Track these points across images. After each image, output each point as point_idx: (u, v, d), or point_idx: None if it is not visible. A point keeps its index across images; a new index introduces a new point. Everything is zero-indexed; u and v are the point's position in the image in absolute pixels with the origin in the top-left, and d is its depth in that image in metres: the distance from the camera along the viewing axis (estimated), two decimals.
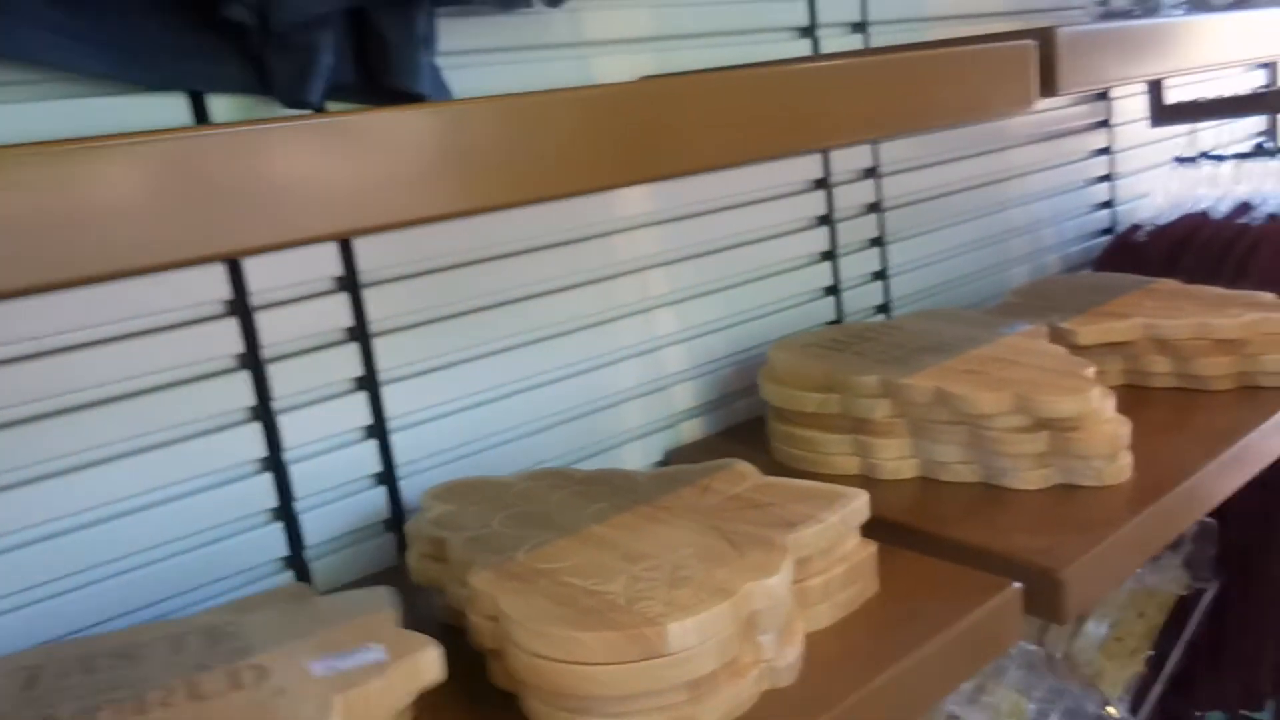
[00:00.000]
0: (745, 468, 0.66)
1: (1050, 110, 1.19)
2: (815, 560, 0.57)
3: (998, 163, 1.14)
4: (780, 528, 0.57)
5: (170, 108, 0.60)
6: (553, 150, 0.39)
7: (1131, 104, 1.30)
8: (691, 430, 0.91)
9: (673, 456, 0.88)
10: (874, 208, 1.01)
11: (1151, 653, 1.02)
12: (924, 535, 0.68)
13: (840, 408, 0.77)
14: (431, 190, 0.36)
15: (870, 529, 0.61)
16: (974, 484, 0.74)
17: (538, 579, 0.54)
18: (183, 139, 0.31)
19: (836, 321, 1.00)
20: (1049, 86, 0.58)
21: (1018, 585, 0.61)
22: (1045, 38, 0.58)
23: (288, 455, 0.67)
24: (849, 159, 0.98)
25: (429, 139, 0.35)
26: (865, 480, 0.77)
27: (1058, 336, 0.89)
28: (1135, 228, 1.21)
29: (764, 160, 0.47)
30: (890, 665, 0.54)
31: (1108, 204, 1.30)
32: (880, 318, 1.04)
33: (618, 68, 0.80)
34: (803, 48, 0.92)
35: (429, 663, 0.50)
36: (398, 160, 0.35)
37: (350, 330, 0.69)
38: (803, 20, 0.92)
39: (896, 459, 0.76)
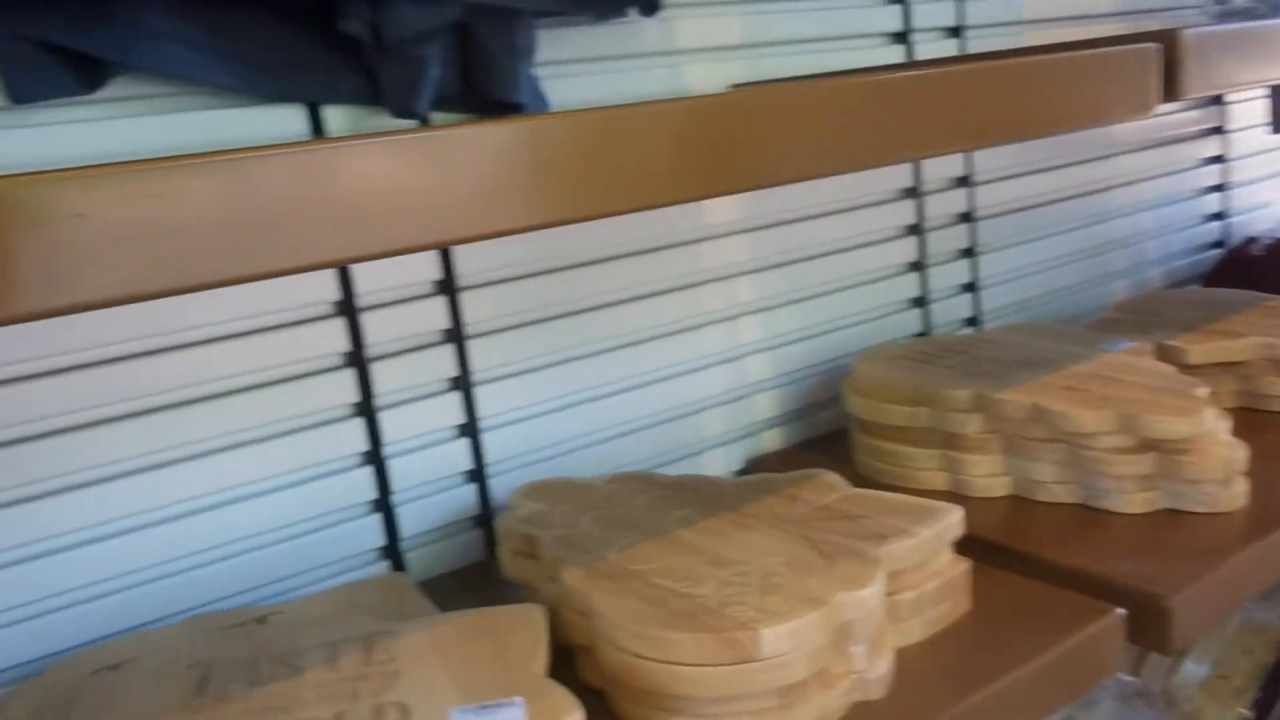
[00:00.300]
0: (833, 478, 0.66)
1: (1160, 116, 1.17)
2: (907, 574, 0.57)
3: (1100, 171, 1.12)
4: (872, 540, 0.57)
5: (289, 119, 0.63)
6: (639, 163, 0.39)
7: (1249, 109, 1.26)
8: (772, 440, 0.91)
9: (753, 465, 0.88)
10: (966, 217, 1.01)
11: (1258, 694, 0.99)
12: (1017, 555, 0.67)
13: (929, 422, 0.77)
14: (517, 203, 0.37)
15: (961, 546, 0.61)
16: (1070, 505, 0.73)
17: (629, 579, 0.54)
18: (291, 154, 0.32)
19: (923, 334, 1.00)
20: (1171, 91, 0.57)
21: (1121, 611, 0.59)
22: (1169, 41, 0.57)
23: (387, 450, 0.69)
24: (941, 167, 0.98)
25: (515, 152, 0.36)
26: (954, 497, 0.76)
27: (1165, 354, 0.86)
28: (1250, 240, 1.17)
29: (854, 172, 0.47)
30: (983, 686, 0.54)
31: (1219, 215, 1.26)
32: (969, 331, 1.03)
33: (709, 76, 0.81)
34: (896, 54, 0.92)
35: None
36: (486, 173, 0.36)
37: (447, 332, 0.71)
38: (897, 25, 0.92)
39: (988, 476, 0.75)
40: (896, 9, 0.91)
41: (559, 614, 0.56)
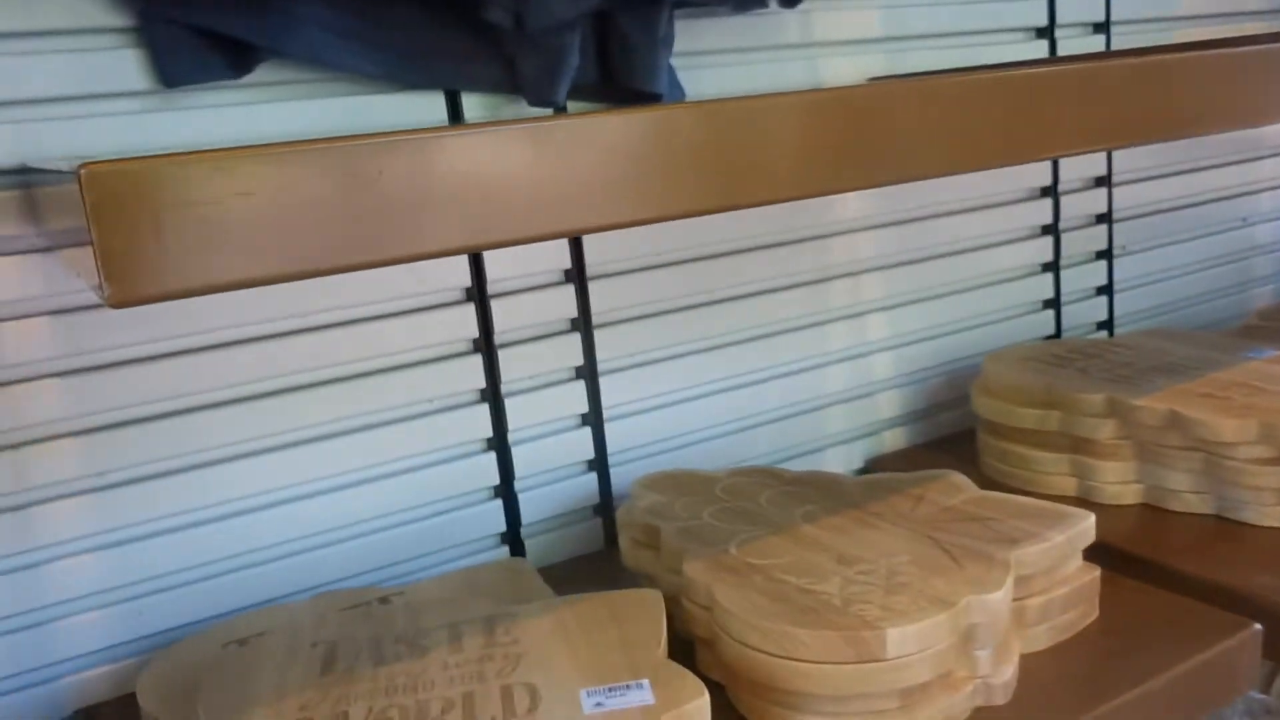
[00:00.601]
0: (961, 480, 0.65)
1: None
2: (1036, 580, 0.56)
3: (1246, 174, 1.08)
4: (1001, 543, 0.55)
5: (429, 106, 0.64)
6: (769, 155, 0.39)
7: None
8: (895, 439, 0.89)
9: (874, 465, 0.87)
10: (1103, 218, 0.98)
11: None
12: (1148, 564, 0.65)
13: (1060, 426, 0.75)
14: (645, 194, 0.37)
15: (1090, 553, 0.59)
16: (1205, 515, 0.70)
17: (751, 573, 0.54)
18: (420, 139, 0.33)
19: (1054, 337, 0.97)
20: None
21: (1257, 627, 0.57)
22: None
23: (512, 437, 0.70)
24: (1080, 166, 0.95)
25: (645, 142, 0.36)
26: (1082, 503, 0.74)
27: None
28: None
29: (990, 169, 0.46)
30: (1110, 697, 0.52)
31: None
32: (1101, 335, 1.00)
33: (847, 69, 0.80)
34: (1039, 49, 0.90)
35: (696, 714, 0.46)
36: (615, 163, 0.36)
37: (574, 321, 0.72)
38: (1041, 20, 0.89)
39: (1119, 483, 0.73)
40: (1041, 3, 0.89)
41: (679, 605, 0.56)
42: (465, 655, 0.52)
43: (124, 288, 0.28)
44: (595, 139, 0.35)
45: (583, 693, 0.47)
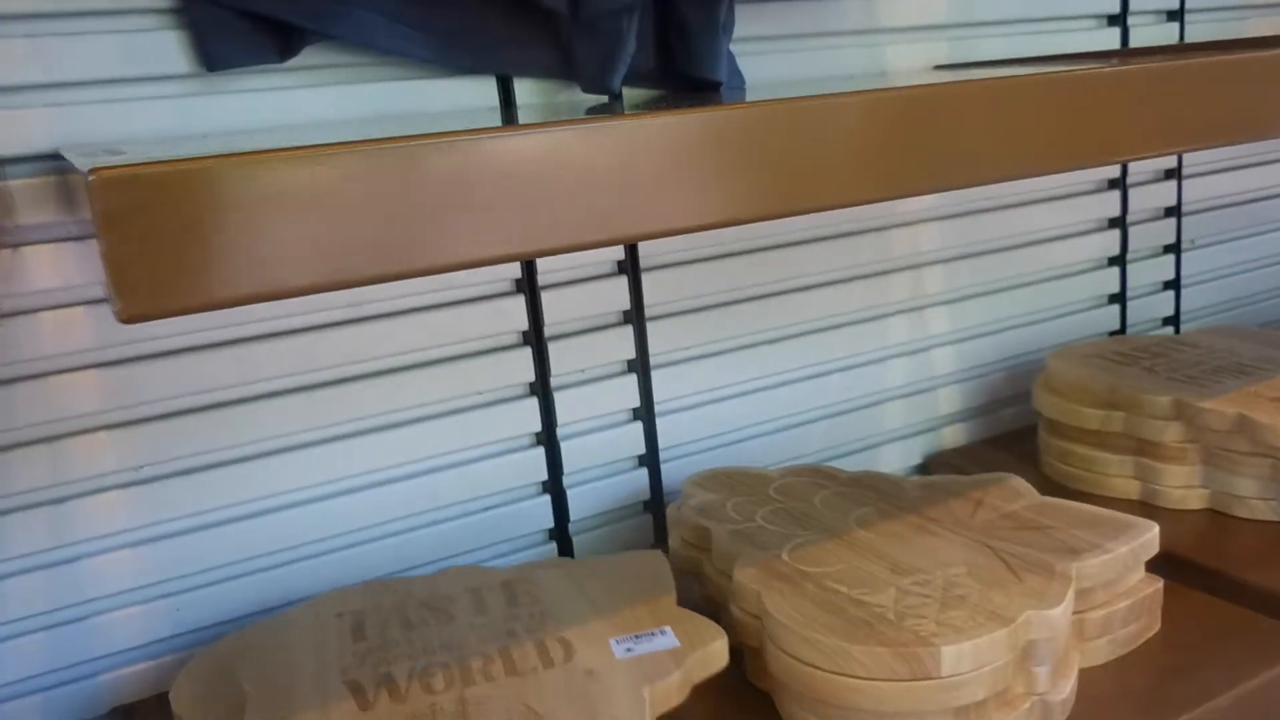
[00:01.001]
0: (1021, 484, 0.63)
1: None
2: (1097, 592, 0.54)
3: None
4: (1062, 554, 0.54)
5: (481, 91, 0.63)
6: (830, 158, 0.38)
7: None
8: (954, 435, 0.88)
9: (933, 461, 0.86)
10: (1172, 211, 0.95)
11: None
12: (1214, 575, 0.63)
13: (1124, 427, 0.73)
14: (701, 198, 0.35)
15: (1152, 562, 0.57)
16: (1273, 523, 0.68)
17: (803, 581, 0.53)
18: (483, 139, 0.31)
19: (1119, 332, 0.94)
20: None
21: None
22: None
23: (561, 431, 0.70)
24: (1149, 158, 0.92)
25: (700, 145, 0.35)
26: (1145, 507, 0.72)
27: None
28: None
29: (1059, 172, 0.45)
30: (1174, 715, 0.50)
31: None
32: (1168, 331, 0.97)
33: (911, 56, 0.78)
34: (1110, 38, 0.87)
35: (718, 654, 0.51)
36: (670, 167, 0.35)
37: (626, 313, 0.71)
38: (1112, 8, 0.86)
39: (1184, 487, 0.71)
40: None
41: (727, 610, 0.55)
42: (491, 617, 0.55)
43: (137, 302, 0.27)
44: (649, 141, 0.34)
45: (612, 641, 0.51)
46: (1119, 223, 0.91)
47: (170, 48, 0.55)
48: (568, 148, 0.33)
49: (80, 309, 0.56)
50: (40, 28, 0.52)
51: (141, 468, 0.59)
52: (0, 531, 0.56)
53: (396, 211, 0.30)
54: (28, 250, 0.54)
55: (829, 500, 0.63)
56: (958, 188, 0.42)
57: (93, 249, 0.54)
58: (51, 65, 0.53)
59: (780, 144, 0.37)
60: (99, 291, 0.56)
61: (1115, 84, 0.44)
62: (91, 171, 0.26)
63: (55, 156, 0.53)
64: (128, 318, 0.27)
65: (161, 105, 0.55)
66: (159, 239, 0.27)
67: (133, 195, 0.26)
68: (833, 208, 0.38)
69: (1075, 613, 0.53)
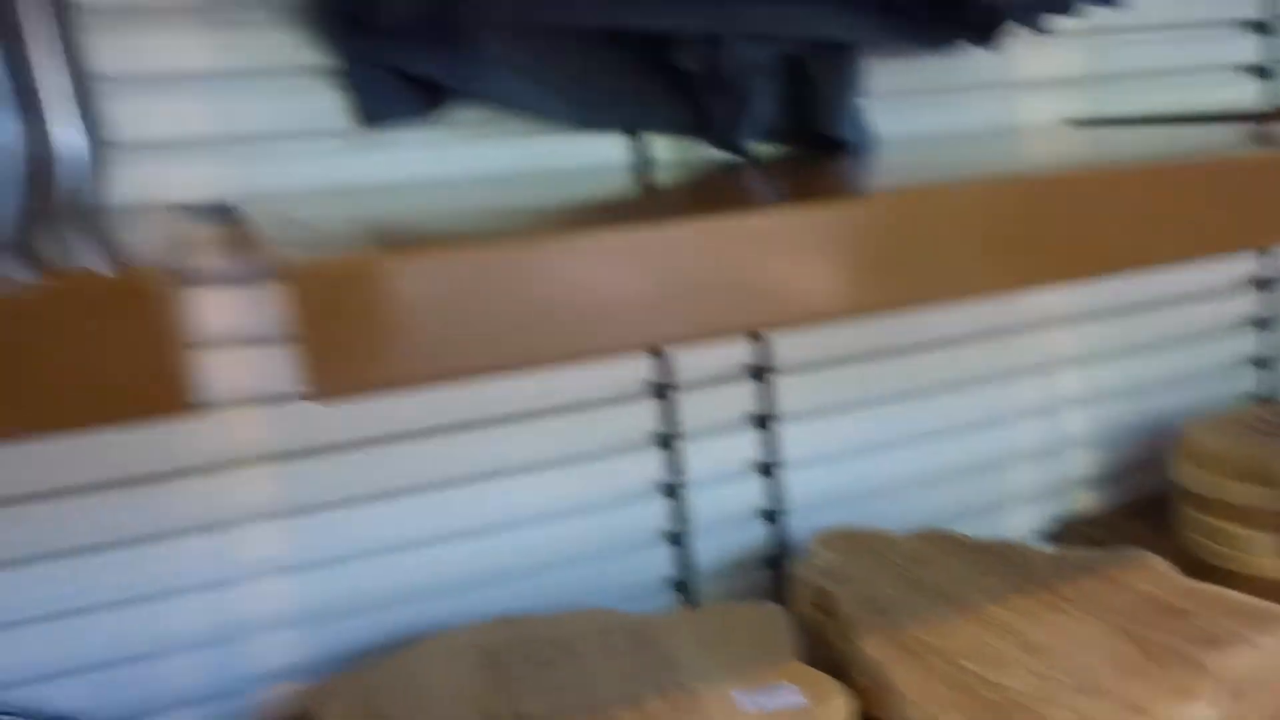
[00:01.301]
0: (1161, 564, 0.61)
1: None
2: (1245, 689, 0.51)
3: None
4: (1205, 646, 0.52)
5: (609, 147, 0.64)
6: (953, 248, 0.36)
7: None
8: (1085, 501, 0.85)
9: (1062, 527, 0.83)
10: None
11: None
12: None
13: (1270, 502, 0.69)
14: (821, 291, 0.35)
15: None
16: None
17: (930, 656, 0.52)
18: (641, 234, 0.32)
19: (1261, 398, 0.91)
20: None
21: None
22: None
23: (685, 481, 0.70)
24: None
25: (823, 238, 0.35)
26: None
27: None
28: None
29: (1202, 259, 0.43)
30: None
31: None
32: None
33: (1045, 110, 0.76)
34: (1253, 89, 0.84)
35: (840, 713, 0.50)
36: (800, 259, 0.34)
37: (753, 368, 0.70)
38: (1256, 58, 0.83)
39: None
40: (1256, 39, 0.83)
41: (848, 675, 0.54)
42: (618, 661, 0.55)
43: (323, 386, 0.29)
44: (769, 237, 0.34)
45: (735, 693, 0.52)
46: (1261, 282, 0.88)
47: (324, 103, 0.58)
48: (690, 244, 0.33)
49: (246, 351, 0.59)
50: (209, 86, 0.56)
51: (296, 498, 0.62)
52: (165, 553, 0.59)
53: (518, 310, 0.31)
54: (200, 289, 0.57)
55: (957, 570, 0.62)
56: (1088, 279, 0.40)
57: (253, 294, 0.57)
58: (220, 119, 0.56)
59: (903, 236, 0.36)
60: (262, 332, 0.59)
61: (1261, 171, 0.42)
62: (279, 265, 0.28)
63: (221, 208, 0.56)
64: (314, 399, 0.29)
65: (317, 158, 0.58)
66: (346, 328, 0.29)
67: (323, 290, 0.28)
68: (955, 299, 0.37)
69: (1223, 713, 0.50)
